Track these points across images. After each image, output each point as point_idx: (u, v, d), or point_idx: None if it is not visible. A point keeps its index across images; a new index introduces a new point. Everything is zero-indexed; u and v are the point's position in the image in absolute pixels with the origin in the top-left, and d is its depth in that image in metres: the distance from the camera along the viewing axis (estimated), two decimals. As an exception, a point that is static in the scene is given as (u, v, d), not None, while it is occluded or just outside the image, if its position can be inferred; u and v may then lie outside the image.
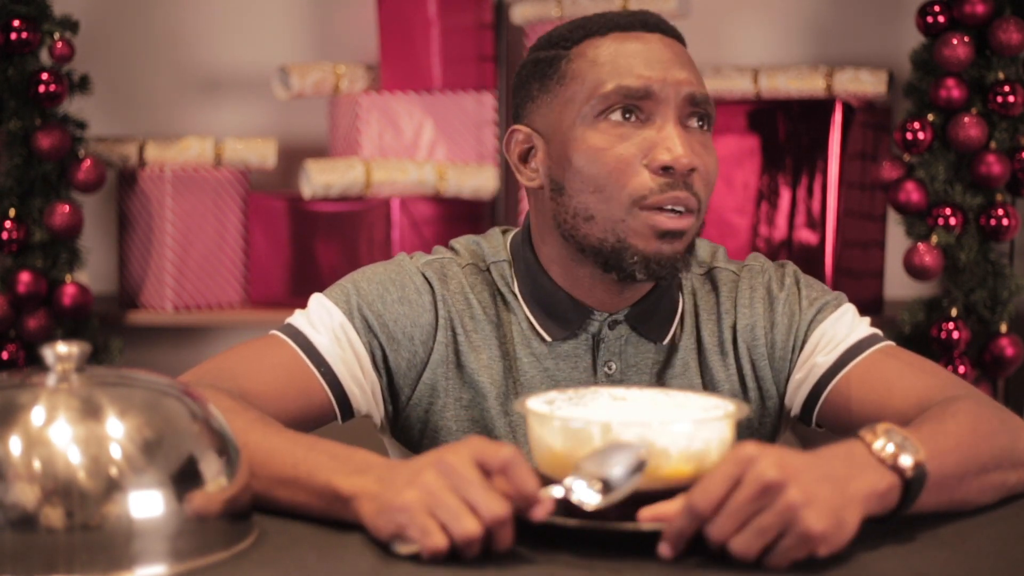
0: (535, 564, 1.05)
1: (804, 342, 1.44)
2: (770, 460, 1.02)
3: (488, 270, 1.48)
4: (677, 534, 1.03)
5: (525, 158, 1.45)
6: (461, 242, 1.51)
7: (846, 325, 1.44)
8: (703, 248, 1.52)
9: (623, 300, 1.44)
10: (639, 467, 1.04)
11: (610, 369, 1.44)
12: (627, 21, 1.41)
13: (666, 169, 1.35)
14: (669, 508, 1.05)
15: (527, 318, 1.45)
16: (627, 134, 1.37)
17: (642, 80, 1.37)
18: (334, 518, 1.13)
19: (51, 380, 1.04)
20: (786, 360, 1.45)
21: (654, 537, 1.05)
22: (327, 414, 1.41)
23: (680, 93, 1.37)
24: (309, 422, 1.39)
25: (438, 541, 1.02)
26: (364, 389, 1.42)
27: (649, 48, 1.39)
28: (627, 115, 1.37)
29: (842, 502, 1.04)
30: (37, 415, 1.01)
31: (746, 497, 1.01)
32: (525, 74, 1.45)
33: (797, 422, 1.47)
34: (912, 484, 1.10)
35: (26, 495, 0.98)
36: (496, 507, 1.02)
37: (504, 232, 1.52)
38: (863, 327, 1.44)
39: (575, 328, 1.44)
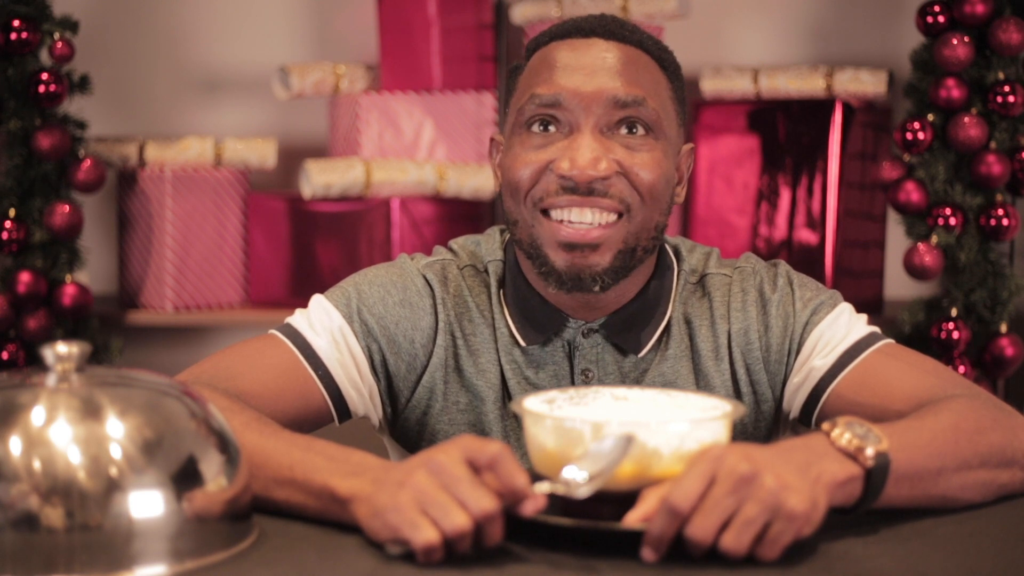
0: (533, 564, 1.05)
1: (800, 345, 1.43)
2: (739, 455, 1.03)
3: (486, 270, 1.47)
4: (658, 536, 1.03)
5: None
6: (460, 242, 1.51)
7: (843, 325, 1.42)
8: (696, 256, 1.50)
9: (598, 311, 1.43)
10: (625, 448, 1.04)
11: (587, 377, 1.43)
12: (568, 28, 1.40)
13: (567, 177, 1.35)
14: (652, 508, 1.05)
15: (507, 322, 1.44)
16: (544, 143, 1.37)
17: (552, 88, 1.36)
18: (331, 519, 1.13)
19: (51, 380, 1.04)
20: (782, 363, 1.44)
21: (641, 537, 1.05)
22: (324, 416, 1.41)
23: (600, 99, 1.36)
24: (306, 424, 1.39)
25: (429, 535, 1.02)
26: (362, 392, 1.42)
27: (575, 55, 1.38)
28: (546, 126, 1.37)
29: (810, 484, 1.05)
30: (37, 415, 1.01)
31: (723, 492, 1.02)
32: (507, 82, 1.48)
33: (796, 423, 1.47)
34: (873, 474, 1.11)
35: (26, 495, 0.98)
36: (485, 502, 1.03)
37: (503, 231, 1.52)
38: (860, 326, 1.43)
39: (549, 334, 1.43)
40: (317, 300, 1.44)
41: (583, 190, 1.35)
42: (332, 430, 1.43)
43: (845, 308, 1.44)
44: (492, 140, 1.48)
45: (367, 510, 1.08)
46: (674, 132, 1.41)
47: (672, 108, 1.41)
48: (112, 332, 3.04)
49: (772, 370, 1.44)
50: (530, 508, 1.04)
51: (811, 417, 1.42)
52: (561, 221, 1.36)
